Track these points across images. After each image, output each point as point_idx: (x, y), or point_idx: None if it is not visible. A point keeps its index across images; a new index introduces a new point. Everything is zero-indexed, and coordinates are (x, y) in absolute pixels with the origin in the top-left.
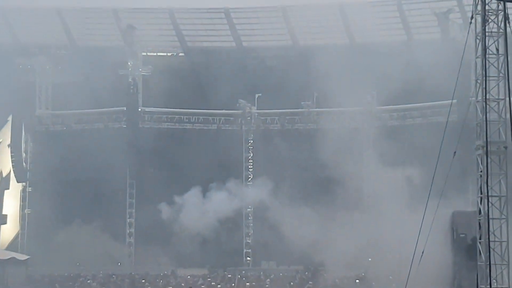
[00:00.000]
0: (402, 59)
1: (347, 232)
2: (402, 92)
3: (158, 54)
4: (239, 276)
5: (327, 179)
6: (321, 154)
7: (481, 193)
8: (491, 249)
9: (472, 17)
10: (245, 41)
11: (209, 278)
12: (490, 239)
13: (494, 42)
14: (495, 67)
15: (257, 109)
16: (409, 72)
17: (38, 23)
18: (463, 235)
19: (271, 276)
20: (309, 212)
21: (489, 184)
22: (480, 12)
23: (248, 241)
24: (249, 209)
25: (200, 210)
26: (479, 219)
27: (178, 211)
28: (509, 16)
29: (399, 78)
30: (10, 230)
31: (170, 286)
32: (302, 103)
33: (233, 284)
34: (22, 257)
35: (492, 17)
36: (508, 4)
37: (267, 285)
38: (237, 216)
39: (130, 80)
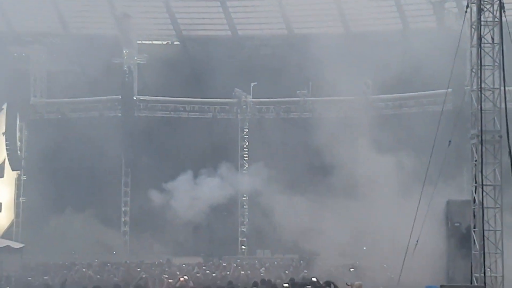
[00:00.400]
0: (397, 48)
1: (341, 220)
2: (398, 81)
3: (153, 42)
4: (234, 265)
5: (322, 167)
6: (316, 142)
7: (476, 182)
8: (485, 238)
9: (467, 6)
10: (241, 30)
11: (204, 266)
12: (484, 228)
13: (490, 31)
14: (490, 56)
15: (252, 98)
16: (405, 61)
17: (33, 11)
18: (457, 224)
19: (266, 265)
20: (304, 200)
21: (483, 173)
22: (475, 1)
23: (243, 229)
24: (244, 198)
25: (191, 196)
26: (474, 208)
27: (169, 198)
28: (505, 5)
29: (394, 67)
30: (4, 218)
31: (165, 275)
32: (297, 92)
33: (228, 273)
34: (17, 245)
35: (488, 6)
36: None
37: (262, 274)
38: (231, 204)
39: (125, 68)
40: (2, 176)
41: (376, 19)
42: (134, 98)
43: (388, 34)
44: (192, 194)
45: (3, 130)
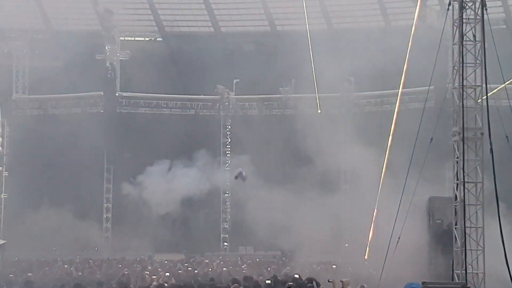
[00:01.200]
0: (379, 45)
1: (323, 216)
2: (380, 78)
3: (136, 39)
4: (217, 261)
5: (305, 163)
6: (298, 140)
7: (457, 179)
8: (466, 235)
9: (449, 4)
10: (223, 27)
11: (186, 263)
12: (466, 225)
13: (471, 28)
14: (472, 54)
15: (235, 95)
16: (387, 58)
17: (15, 7)
18: (439, 221)
19: (248, 262)
20: (287, 197)
21: (465, 170)
22: None
23: (225, 226)
24: (227, 195)
25: (165, 189)
26: (455, 205)
27: (141, 191)
28: (486, 3)
29: (376, 64)
30: None
31: (147, 271)
32: (280, 88)
33: (210, 269)
34: None
35: (470, 4)
36: None
37: (244, 271)
38: (213, 200)
39: (107, 64)
40: None
41: (359, 16)
42: (117, 94)
43: (370, 31)
44: (167, 187)
45: None
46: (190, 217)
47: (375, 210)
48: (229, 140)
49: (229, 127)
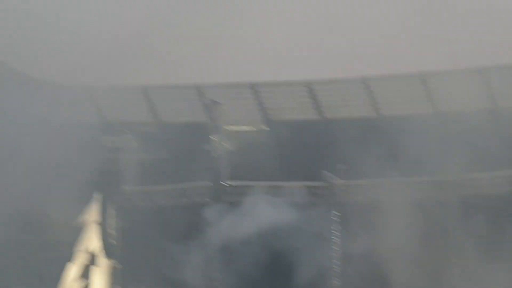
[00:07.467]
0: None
1: None
2: (489, 160)
3: (241, 128)
4: None
5: None
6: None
7: None
8: None
9: None
10: (327, 113)
11: None
12: None
13: None
14: None
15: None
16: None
17: (123, 100)
18: None
19: None
20: None
21: None
22: None
23: None
24: None
25: None
26: None
27: None
28: None
29: (485, 146)
30: None
31: None
32: (387, 173)
33: None
34: None
35: None
36: None
37: None
38: None
39: (214, 155)
40: (96, 265)
41: (465, 98)
42: (224, 184)
43: (477, 113)
44: None
45: (96, 219)
46: None
47: None
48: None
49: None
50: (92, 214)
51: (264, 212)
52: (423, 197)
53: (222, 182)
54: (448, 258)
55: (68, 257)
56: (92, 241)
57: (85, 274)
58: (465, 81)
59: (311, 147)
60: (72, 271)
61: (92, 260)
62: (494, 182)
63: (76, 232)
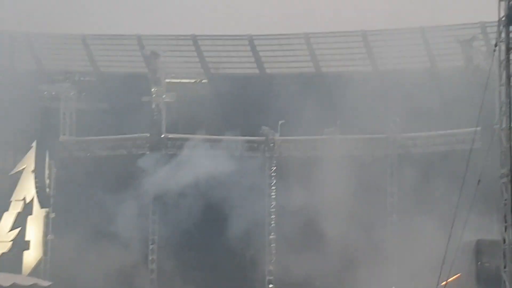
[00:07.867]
0: (425, 86)
1: None
2: (426, 119)
3: (182, 81)
4: None
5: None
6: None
7: (506, 222)
8: None
9: (496, 45)
10: (268, 68)
11: None
12: None
13: None
14: None
15: (280, 136)
16: (433, 100)
17: (62, 49)
18: (487, 264)
19: None
20: None
21: None
22: (504, 40)
23: None
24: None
25: None
26: (504, 248)
27: None
28: None
29: (422, 105)
30: (33, 256)
31: None
32: (325, 129)
33: None
34: (44, 283)
35: None
36: None
37: None
38: None
39: (153, 106)
40: (31, 214)
41: (404, 57)
42: (162, 136)
43: (416, 72)
44: None
45: (33, 168)
46: None
47: None
48: (274, 182)
49: (274, 168)
50: (28, 163)
51: (201, 164)
52: (359, 153)
53: (160, 134)
54: (381, 211)
55: (3, 205)
56: (27, 190)
57: (20, 223)
58: (405, 40)
59: (251, 102)
60: (7, 219)
61: (27, 208)
62: (429, 141)
63: (12, 181)
